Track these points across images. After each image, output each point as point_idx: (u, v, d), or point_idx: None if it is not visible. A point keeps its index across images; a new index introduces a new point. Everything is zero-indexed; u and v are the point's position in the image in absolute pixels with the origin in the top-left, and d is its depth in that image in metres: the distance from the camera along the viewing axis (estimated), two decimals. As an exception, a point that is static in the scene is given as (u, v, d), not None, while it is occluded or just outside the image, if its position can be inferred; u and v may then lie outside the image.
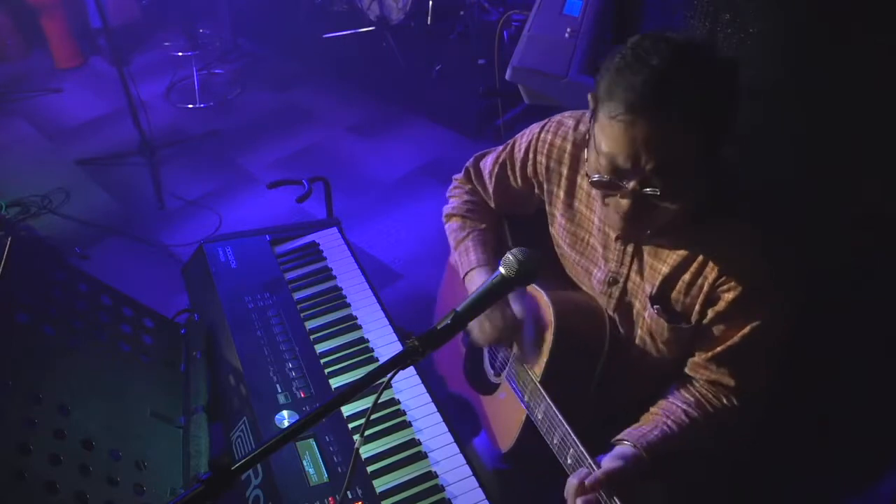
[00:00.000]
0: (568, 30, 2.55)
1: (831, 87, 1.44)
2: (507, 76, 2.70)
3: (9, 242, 1.49)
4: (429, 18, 4.67)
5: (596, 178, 1.23)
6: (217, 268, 1.84)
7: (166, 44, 5.38)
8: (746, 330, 1.30)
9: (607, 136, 1.18)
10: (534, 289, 1.55)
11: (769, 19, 1.46)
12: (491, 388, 1.72)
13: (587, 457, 1.28)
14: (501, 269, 1.17)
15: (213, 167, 4.05)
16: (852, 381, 1.56)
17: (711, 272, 1.30)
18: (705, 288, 1.31)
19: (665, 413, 1.36)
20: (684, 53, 1.15)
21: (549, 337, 1.46)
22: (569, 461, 1.34)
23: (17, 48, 5.25)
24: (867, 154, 1.45)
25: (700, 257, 1.31)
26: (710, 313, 1.33)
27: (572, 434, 1.32)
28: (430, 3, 4.63)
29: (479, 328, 1.60)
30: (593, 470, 1.26)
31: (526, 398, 1.51)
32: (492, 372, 1.73)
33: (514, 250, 1.17)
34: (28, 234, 3.35)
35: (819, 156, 1.50)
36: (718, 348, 1.34)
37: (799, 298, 1.29)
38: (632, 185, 1.19)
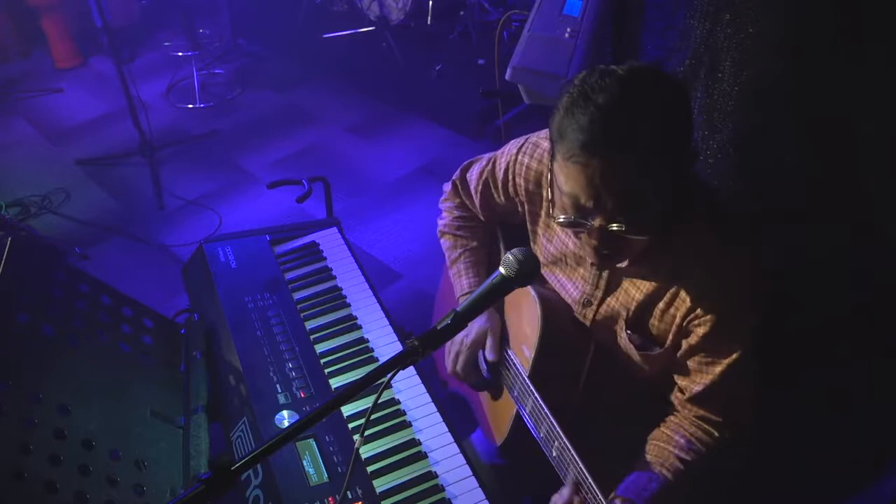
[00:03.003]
0: (568, 30, 2.55)
1: (831, 87, 1.44)
2: (507, 76, 2.70)
3: (9, 242, 1.49)
4: (429, 18, 4.68)
5: (562, 219, 1.23)
6: (217, 268, 1.84)
7: (166, 44, 5.38)
8: (724, 367, 1.31)
9: (566, 177, 1.18)
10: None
11: (769, 19, 1.46)
12: (485, 385, 1.73)
13: (570, 448, 1.29)
14: (501, 270, 1.17)
15: (213, 167, 4.05)
16: (852, 382, 1.56)
17: (683, 304, 1.31)
18: (677, 319, 1.32)
19: (660, 462, 1.36)
20: (630, 86, 1.14)
21: (537, 332, 1.46)
22: (554, 454, 1.36)
23: (17, 48, 5.26)
24: (867, 154, 1.45)
25: (673, 287, 1.32)
26: (684, 345, 1.34)
27: (557, 427, 1.34)
28: (430, 3, 4.63)
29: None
30: (577, 463, 1.27)
31: (515, 393, 1.52)
32: (485, 368, 1.74)
33: (514, 250, 1.17)
34: (28, 234, 3.35)
35: (819, 156, 1.50)
36: (698, 388, 1.35)
37: (762, 306, 1.30)
38: (597, 222, 1.19)
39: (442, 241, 1.81)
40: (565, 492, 1.30)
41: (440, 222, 1.82)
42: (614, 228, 1.19)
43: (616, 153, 1.12)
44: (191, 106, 4.65)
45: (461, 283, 1.72)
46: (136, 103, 3.78)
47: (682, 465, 1.35)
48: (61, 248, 3.36)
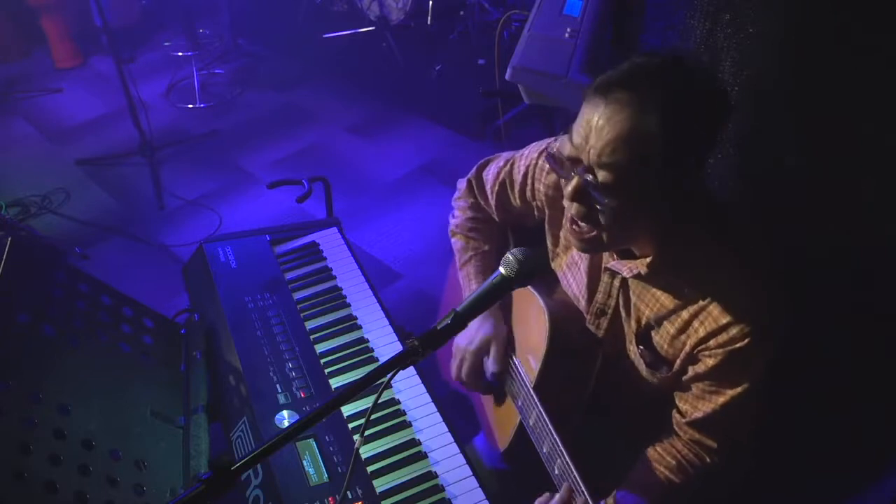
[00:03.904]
0: (568, 30, 2.55)
1: (831, 87, 1.44)
2: (507, 76, 2.70)
3: (9, 242, 1.49)
4: (429, 18, 4.68)
5: (552, 150, 1.21)
6: (217, 268, 1.84)
7: (166, 44, 5.38)
8: (728, 398, 1.29)
9: (578, 118, 1.17)
10: (531, 293, 1.55)
11: (769, 19, 1.46)
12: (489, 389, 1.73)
13: (573, 469, 1.28)
14: (501, 270, 1.16)
15: (213, 167, 4.05)
16: (852, 382, 1.56)
17: (695, 333, 1.27)
18: (687, 347, 1.30)
19: (650, 482, 1.36)
20: (678, 63, 1.13)
21: (544, 344, 1.45)
22: (556, 471, 1.34)
23: (17, 48, 5.25)
24: (867, 154, 1.45)
25: (685, 314, 1.28)
26: (691, 371, 1.32)
27: (560, 445, 1.32)
28: (430, 3, 4.64)
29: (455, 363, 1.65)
30: (578, 487, 1.26)
31: (520, 403, 1.51)
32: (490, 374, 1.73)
33: (514, 250, 1.17)
34: (28, 234, 3.35)
35: (819, 156, 1.50)
36: (698, 414, 1.33)
37: (779, 333, 1.27)
38: (584, 158, 1.15)
39: (453, 240, 1.79)
40: (562, 496, 1.29)
41: (452, 221, 1.79)
42: (589, 178, 1.15)
43: (624, 100, 1.10)
44: (191, 106, 4.65)
45: (469, 287, 1.70)
46: (136, 103, 3.78)
47: (670, 487, 1.34)
48: (61, 248, 3.35)
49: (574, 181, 1.18)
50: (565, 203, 1.24)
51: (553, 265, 1.58)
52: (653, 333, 1.36)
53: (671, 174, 1.15)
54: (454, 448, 1.47)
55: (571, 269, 1.53)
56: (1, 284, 1.42)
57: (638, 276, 1.32)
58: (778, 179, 1.58)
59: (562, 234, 1.54)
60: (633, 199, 1.15)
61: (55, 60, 5.14)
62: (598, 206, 1.17)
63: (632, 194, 1.15)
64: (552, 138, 1.54)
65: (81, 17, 5.09)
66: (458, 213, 1.78)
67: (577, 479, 1.26)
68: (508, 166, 1.62)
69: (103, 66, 5.12)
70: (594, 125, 1.12)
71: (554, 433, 1.34)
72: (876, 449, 1.52)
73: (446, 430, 1.50)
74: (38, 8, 4.97)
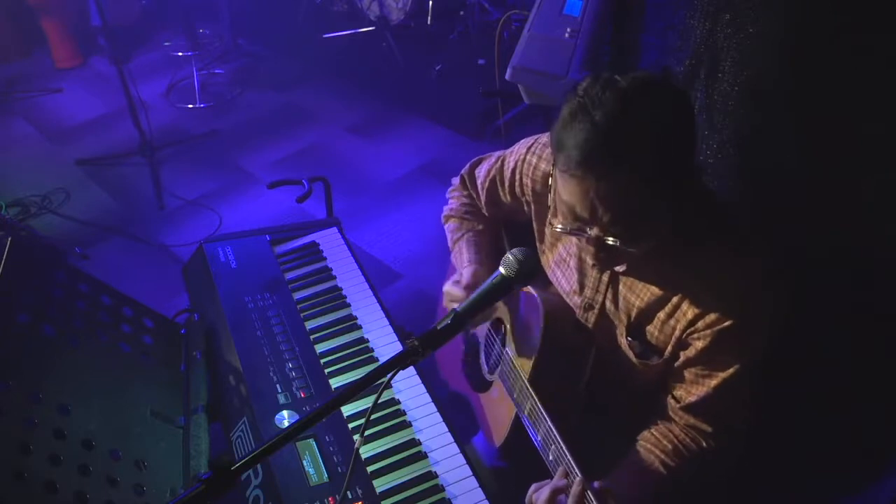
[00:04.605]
0: (568, 30, 2.55)
1: (831, 87, 1.44)
2: (507, 76, 2.70)
3: (9, 242, 1.49)
4: (429, 18, 4.68)
5: (559, 228, 1.24)
6: (217, 268, 1.84)
7: (166, 44, 5.38)
8: (719, 381, 1.30)
9: (563, 187, 1.18)
10: (527, 287, 1.55)
11: (769, 19, 1.46)
12: (486, 386, 1.73)
13: (566, 452, 1.29)
14: (501, 269, 1.17)
15: (213, 167, 4.05)
16: (852, 382, 1.56)
17: (684, 316, 1.30)
18: (677, 331, 1.32)
19: (644, 465, 1.36)
20: (630, 102, 1.11)
21: (538, 335, 1.46)
22: (550, 457, 1.35)
23: (17, 48, 5.26)
24: (867, 154, 1.45)
25: (675, 298, 1.31)
26: (682, 356, 1.34)
27: (555, 430, 1.33)
28: (430, 3, 4.64)
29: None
30: (572, 469, 1.26)
31: (515, 395, 1.52)
32: (486, 369, 1.74)
33: (513, 250, 1.18)
34: (28, 234, 3.35)
35: (819, 156, 1.50)
36: (692, 399, 1.34)
37: (775, 322, 1.28)
38: (593, 232, 1.20)
39: (446, 225, 1.81)
40: (560, 483, 1.29)
41: (446, 208, 1.82)
42: (610, 242, 1.19)
43: (611, 172, 1.11)
44: (191, 106, 4.65)
45: (461, 259, 1.71)
46: (136, 103, 3.78)
47: (665, 471, 1.35)
48: (61, 248, 3.36)
49: (594, 246, 1.22)
50: (588, 259, 1.27)
51: (542, 261, 1.60)
52: (643, 323, 1.38)
53: (673, 192, 1.19)
54: (454, 448, 1.47)
55: (560, 265, 1.54)
56: (1, 284, 1.43)
57: (632, 269, 1.34)
58: (778, 179, 1.58)
59: (547, 230, 1.55)
60: (651, 234, 1.21)
61: (55, 60, 5.14)
62: (624, 252, 1.22)
63: (649, 233, 1.20)
64: (540, 135, 1.56)
65: (81, 17, 5.09)
66: (453, 202, 1.82)
67: (571, 461, 1.27)
68: (499, 163, 1.65)
69: (103, 66, 5.12)
70: (595, 200, 1.14)
71: (548, 420, 1.35)
72: (876, 449, 1.52)
73: (446, 430, 1.50)
74: (37, 8, 4.97)
